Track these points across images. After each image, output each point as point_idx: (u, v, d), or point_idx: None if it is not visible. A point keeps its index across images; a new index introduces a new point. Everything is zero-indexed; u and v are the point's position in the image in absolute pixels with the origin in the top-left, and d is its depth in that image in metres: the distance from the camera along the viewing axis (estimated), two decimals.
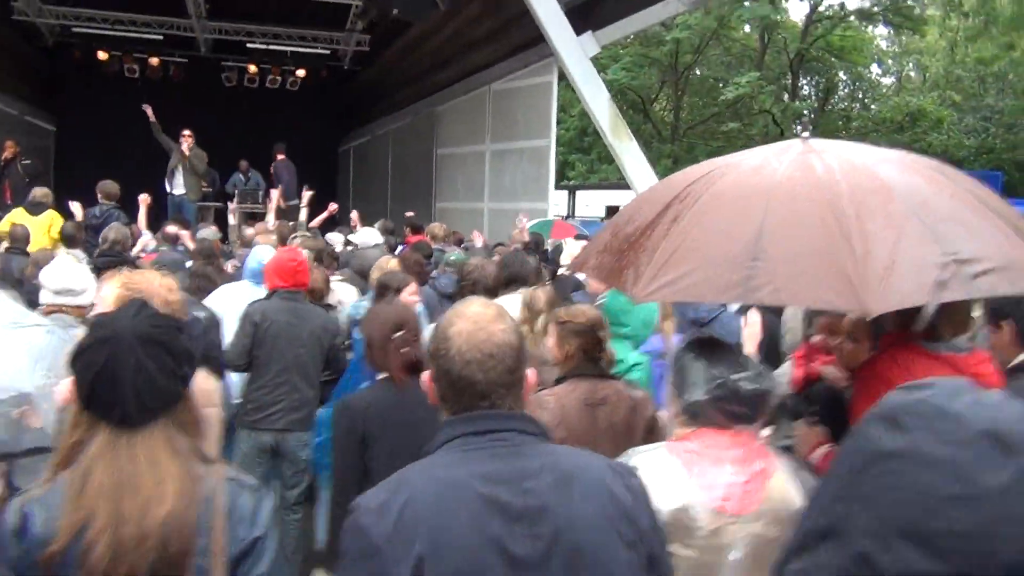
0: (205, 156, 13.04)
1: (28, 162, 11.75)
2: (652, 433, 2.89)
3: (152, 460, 1.66)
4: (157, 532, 1.60)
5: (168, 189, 12.86)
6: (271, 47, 17.10)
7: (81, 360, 1.68)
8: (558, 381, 3.06)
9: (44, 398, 2.81)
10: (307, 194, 10.03)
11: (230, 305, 4.69)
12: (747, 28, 31.07)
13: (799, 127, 25.44)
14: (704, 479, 2.03)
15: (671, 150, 29.57)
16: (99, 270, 5.56)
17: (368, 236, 8.34)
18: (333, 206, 10.26)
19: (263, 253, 5.26)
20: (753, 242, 2.01)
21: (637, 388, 3.14)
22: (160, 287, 2.50)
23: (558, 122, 15.62)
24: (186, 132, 12.70)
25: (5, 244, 6.80)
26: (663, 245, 2.16)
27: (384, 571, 1.47)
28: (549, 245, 8.94)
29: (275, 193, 11.02)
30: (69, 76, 18.33)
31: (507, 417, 1.65)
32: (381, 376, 3.16)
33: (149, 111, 12.78)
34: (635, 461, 2.02)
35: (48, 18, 16.02)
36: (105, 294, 2.51)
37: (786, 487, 2.06)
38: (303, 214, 9.63)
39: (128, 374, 1.64)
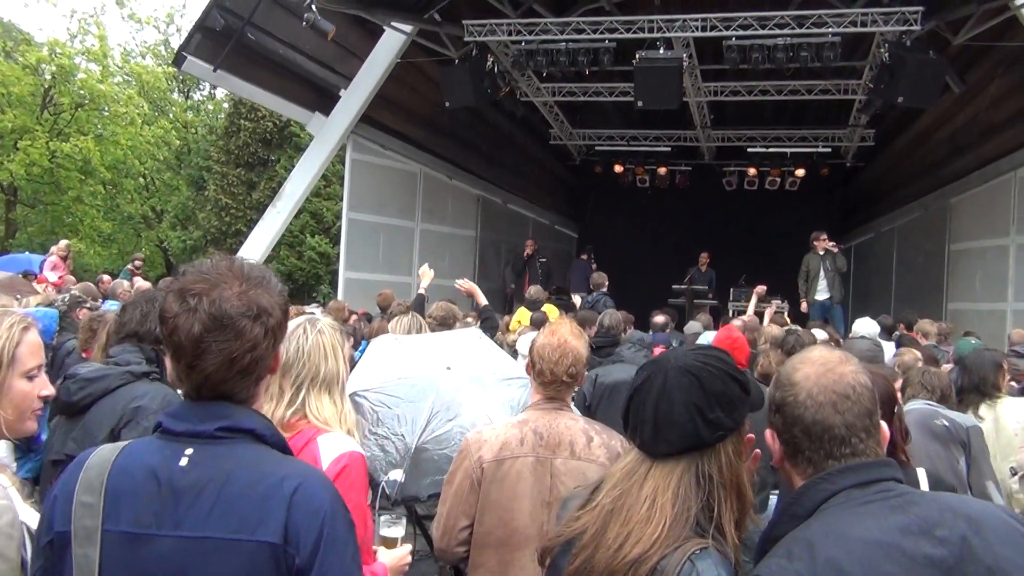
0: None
1: (544, 260, 13.66)
2: None
3: (654, 495, 1.60)
4: (622, 572, 1.57)
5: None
6: (771, 149, 17.37)
7: (633, 381, 1.75)
8: None
9: None
10: (759, 289, 9.88)
11: None
12: None
13: None
14: None
15: None
16: (594, 349, 6.14)
17: (864, 326, 7.99)
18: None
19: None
20: None
21: None
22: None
23: None
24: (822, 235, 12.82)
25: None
26: None
27: None
28: None
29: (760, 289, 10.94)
30: (590, 189, 20.81)
31: (883, 465, 1.53)
32: None
33: None
34: None
35: (577, 140, 18.49)
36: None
37: None
38: (751, 306, 9.56)
39: (652, 395, 1.65)
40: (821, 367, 1.58)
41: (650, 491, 1.61)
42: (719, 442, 1.62)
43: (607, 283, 9.96)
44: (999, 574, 1.39)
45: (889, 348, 7.82)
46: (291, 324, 2.55)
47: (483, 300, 5.94)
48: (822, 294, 12.42)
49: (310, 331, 2.51)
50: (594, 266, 15.36)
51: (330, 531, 1.53)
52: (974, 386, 4.79)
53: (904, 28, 10.10)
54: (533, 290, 9.47)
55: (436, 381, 3.54)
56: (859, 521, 1.46)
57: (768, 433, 1.64)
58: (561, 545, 1.72)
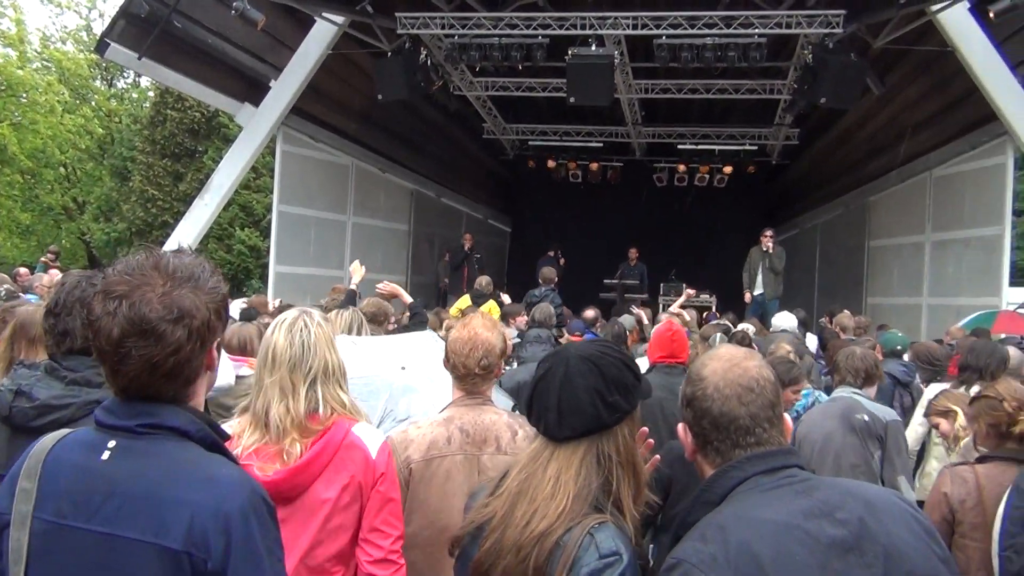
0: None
1: (479, 256, 13.69)
2: None
3: (558, 474, 1.72)
4: (530, 546, 1.66)
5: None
6: (700, 146, 17.71)
7: (535, 372, 1.87)
8: (980, 460, 3.10)
9: None
10: (689, 292, 10.04)
11: None
12: None
13: None
14: None
15: None
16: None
17: (783, 320, 8.20)
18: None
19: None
20: None
21: None
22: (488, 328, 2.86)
23: (1017, 212, 13.80)
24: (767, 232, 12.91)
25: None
26: None
27: None
28: None
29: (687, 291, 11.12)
30: (523, 183, 20.92)
31: (787, 452, 1.65)
32: None
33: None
34: None
35: (510, 135, 18.54)
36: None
37: None
38: (676, 305, 9.71)
39: (555, 383, 1.77)
40: (727, 362, 1.68)
41: (554, 471, 1.74)
42: (616, 424, 1.76)
43: (556, 278, 10.00)
44: (892, 550, 1.51)
45: (811, 341, 8.08)
46: (288, 318, 2.52)
47: (408, 298, 5.90)
48: (758, 289, 12.71)
49: (310, 324, 2.50)
50: (562, 262, 15.36)
51: (240, 533, 1.49)
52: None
53: (827, 31, 10.40)
54: (485, 281, 9.42)
55: (390, 380, 3.51)
56: (767, 505, 1.55)
57: (681, 427, 1.74)
58: (471, 533, 1.79)
